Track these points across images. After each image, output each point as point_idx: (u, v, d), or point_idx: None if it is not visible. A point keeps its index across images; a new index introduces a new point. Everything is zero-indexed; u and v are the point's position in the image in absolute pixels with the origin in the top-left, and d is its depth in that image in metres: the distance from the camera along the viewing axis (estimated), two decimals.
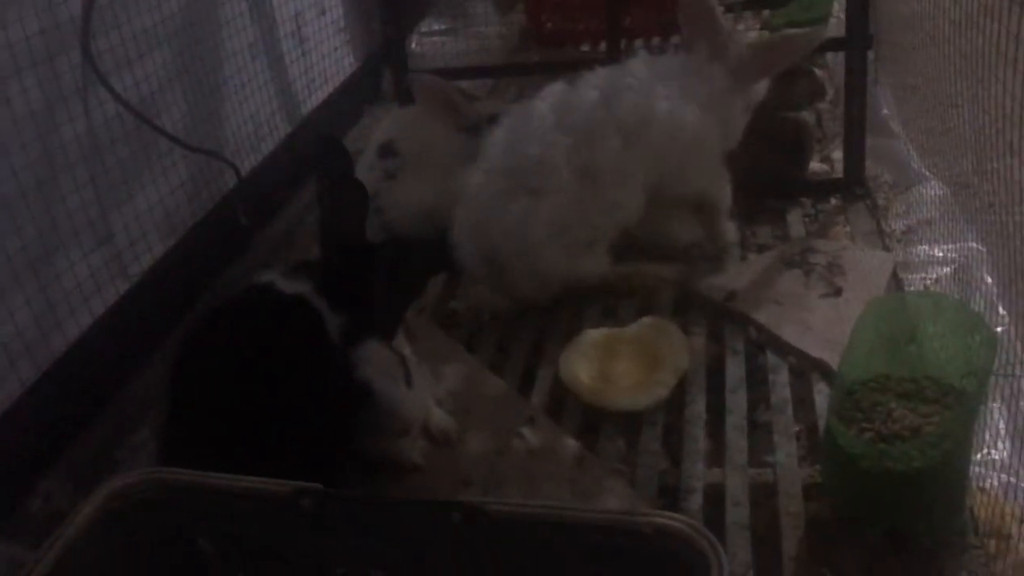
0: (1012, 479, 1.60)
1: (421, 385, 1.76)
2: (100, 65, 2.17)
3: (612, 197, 2.22)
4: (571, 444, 1.79)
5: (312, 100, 3.38)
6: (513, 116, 2.31)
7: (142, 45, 2.34)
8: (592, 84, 2.27)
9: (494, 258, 2.22)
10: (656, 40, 3.49)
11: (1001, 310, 1.93)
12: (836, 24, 3.30)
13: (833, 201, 2.64)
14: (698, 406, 1.90)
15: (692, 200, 2.40)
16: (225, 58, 2.79)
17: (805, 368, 1.97)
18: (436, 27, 4.28)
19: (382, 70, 3.82)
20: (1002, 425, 1.70)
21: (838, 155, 2.76)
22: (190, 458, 1.36)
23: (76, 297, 2.09)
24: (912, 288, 2.17)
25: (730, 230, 2.47)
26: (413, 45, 3.94)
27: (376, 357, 1.65)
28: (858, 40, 2.52)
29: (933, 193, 2.43)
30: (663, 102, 2.23)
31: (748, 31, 3.76)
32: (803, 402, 1.90)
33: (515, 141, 2.23)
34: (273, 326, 1.60)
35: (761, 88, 2.40)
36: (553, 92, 2.29)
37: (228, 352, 1.56)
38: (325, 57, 3.50)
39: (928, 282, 2.18)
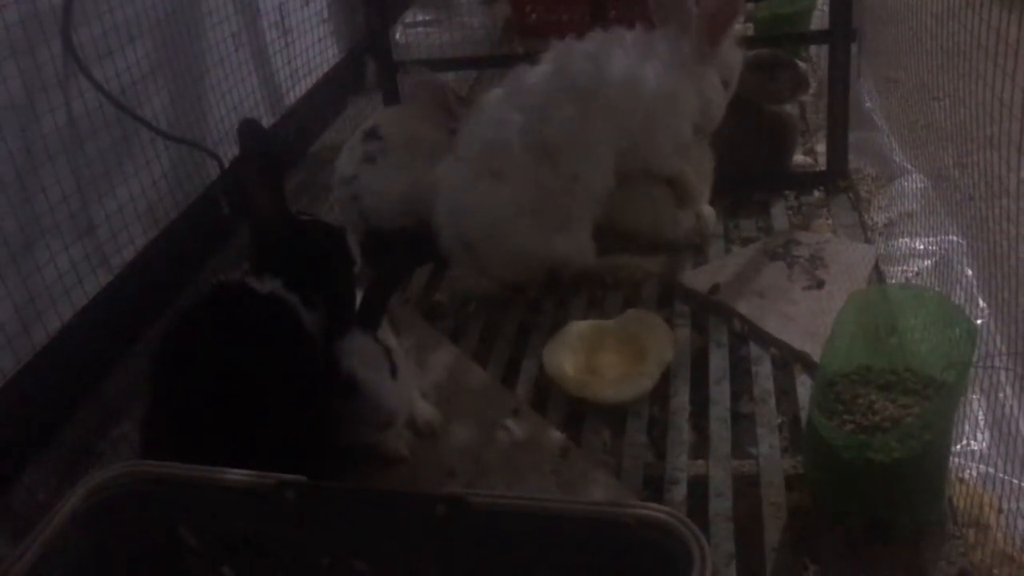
0: (991, 470, 1.62)
1: (406, 377, 1.76)
2: (81, 55, 2.15)
3: (572, 170, 2.19)
4: (556, 436, 1.79)
5: (296, 91, 3.37)
6: (481, 104, 2.32)
7: (123, 35, 2.33)
8: (547, 59, 2.28)
9: (467, 242, 2.24)
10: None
11: (981, 302, 1.95)
12: (820, 17, 3.33)
13: (816, 194, 2.66)
14: (682, 398, 1.91)
15: (666, 175, 2.37)
16: (208, 48, 2.78)
17: (788, 360, 1.99)
18: (420, 18, 4.27)
19: (366, 61, 3.80)
20: (981, 416, 1.72)
21: (821, 148, 2.77)
22: (173, 451, 1.36)
23: (57, 289, 2.08)
24: (893, 280, 2.19)
25: (710, 214, 2.49)
26: (397, 36, 3.94)
27: (361, 349, 1.65)
28: (841, 33, 2.52)
29: (915, 186, 2.45)
30: (618, 61, 2.21)
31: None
32: (786, 393, 1.91)
33: (475, 126, 2.26)
34: (249, 321, 1.61)
35: (736, 62, 2.38)
36: (512, 74, 2.31)
37: (208, 347, 1.55)
38: (309, 48, 3.48)
39: (909, 274, 2.19)
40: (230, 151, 2.82)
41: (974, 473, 1.65)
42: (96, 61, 2.21)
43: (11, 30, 1.95)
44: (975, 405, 1.74)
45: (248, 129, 1.77)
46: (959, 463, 1.66)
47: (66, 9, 2.11)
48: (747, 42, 3.12)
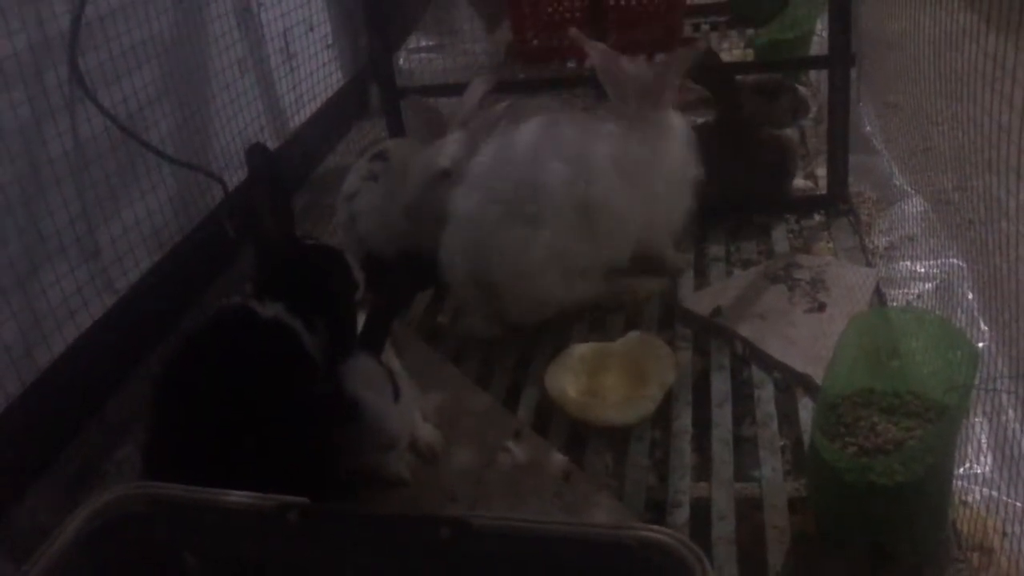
0: (994, 493, 1.62)
1: (408, 400, 1.76)
2: (88, 81, 2.17)
3: (607, 232, 2.21)
4: (558, 458, 1.79)
5: (300, 116, 3.39)
6: (500, 141, 2.26)
7: (130, 61, 2.35)
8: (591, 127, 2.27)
9: (488, 282, 2.18)
10: (641, 58, 3.53)
11: (983, 325, 1.95)
12: (819, 42, 3.36)
13: (817, 217, 2.67)
14: (684, 420, 1.91)
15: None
16: (213, 74, 2.80)
17: (790, 382, 1.99)
18: (423, 43, 4.31)
19: (370, 86, 3.84)
20: (984, 439, 1.72)
21: (822, 172, 2.79)
22: (176, 474, 1.37)
23: (62, 311, 2.09)
24: (895, 303, 2.19)
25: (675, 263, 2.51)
26: (401, 61, 3.98)
27: (364, 372, 1.65)
28: (841, 58, 2.55)
29: (915, 209, 2.46)
30: (674, 156, 2.31)
31: (732, 49, 3.82)
32: (788, 416, 1.91)
33: (504, 163, 2.20)
34: (251, 346, 1.62)
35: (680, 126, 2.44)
36: (540, 122, 2.26)
37: (211, 372, 1.56)
38: (313, 73, 3.52)
39: (911, 297, 2.20)
40: (235, 176, 2.84)
41: (978, 496, 1.64)
42: (103, 87, 2.24)
43: (20, 56, 1.98)
44: (978, 428, 1.74)
45: (256, 153, 1.80)
46: (963, 486, 1.66)
47: (73, 35, 2.14)
48: (748, 67, 3.17)
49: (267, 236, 1.79)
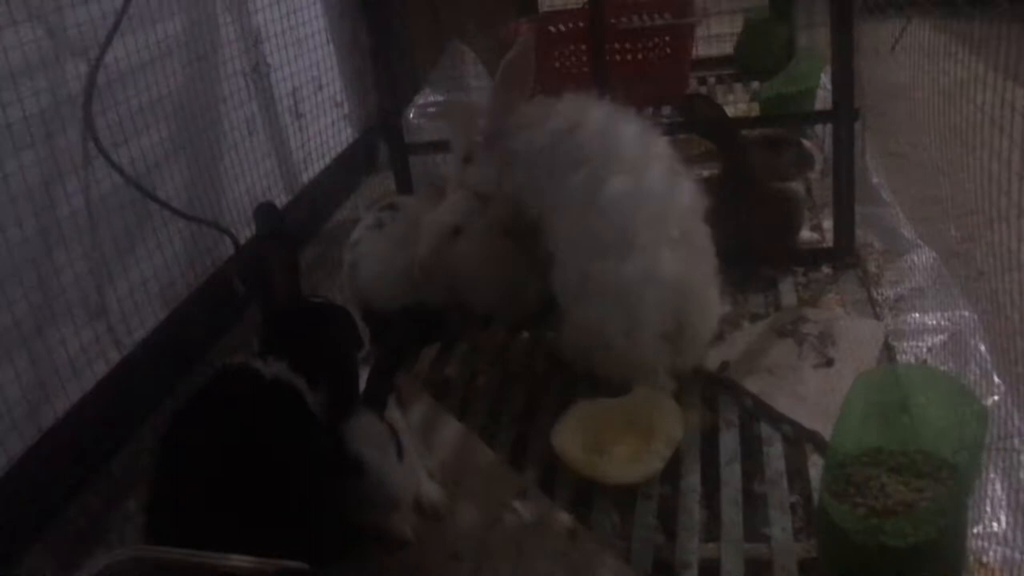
0: (1010, 552, 1.57)
1: (412, 457, 1.75)
2: (102, 140, 2.20)
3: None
4: (564, 518, 1.76)
5: (310, 171, 3.43)
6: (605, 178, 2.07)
7: (139, 122, 2.39)
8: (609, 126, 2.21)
9: (679, 324, 2.08)
10: (648, 111, 3.57)
11: (996, 379, 1.92)
12: (824, 96, 3.38)
13: (824, 270, 2.65)
14: (693, 478, 1.88)
15: None
16: (224, 133, 2.84)
17: (799, 439, 1.96)
18: (433, 99, 4.36)
19: (379, 142, 3.88)
20: (1001, 497, 1.68)
21: (828, 224, 2.78)
22: (178, 536, 1.35)
23: (66, 371, 2.09)
24: (904, 356, 2.17)
25: None
26: (411, 116, 4.02)
27: (367, 430, 1.64)
28: (845, 112, 2.56)
29: (924, 261, 2.45)
30: None
31: (737, 103, 3.85)
32: (798, 473, 1.87)
33: (624, 202, 2.04)
34: (253, 406, 1.61)
35: None
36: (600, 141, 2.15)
37: (212, 432, 1.55)
38: (323, 131, 3.57)
39: (921, 350, 2.17)
40: (244, 231, 2.86)
41: (995, 556, 1.60)
42: (113, 148, 2.26)
43: (30, 119, 2.01)
44: (996, 485, 1.70)
45: (265, 212, 1.81)
46: (980, 545, 1.62)
47: (87, 96, 2.17)
48: (753, 122, 3.18)
49: (273, 294, 1.80)
